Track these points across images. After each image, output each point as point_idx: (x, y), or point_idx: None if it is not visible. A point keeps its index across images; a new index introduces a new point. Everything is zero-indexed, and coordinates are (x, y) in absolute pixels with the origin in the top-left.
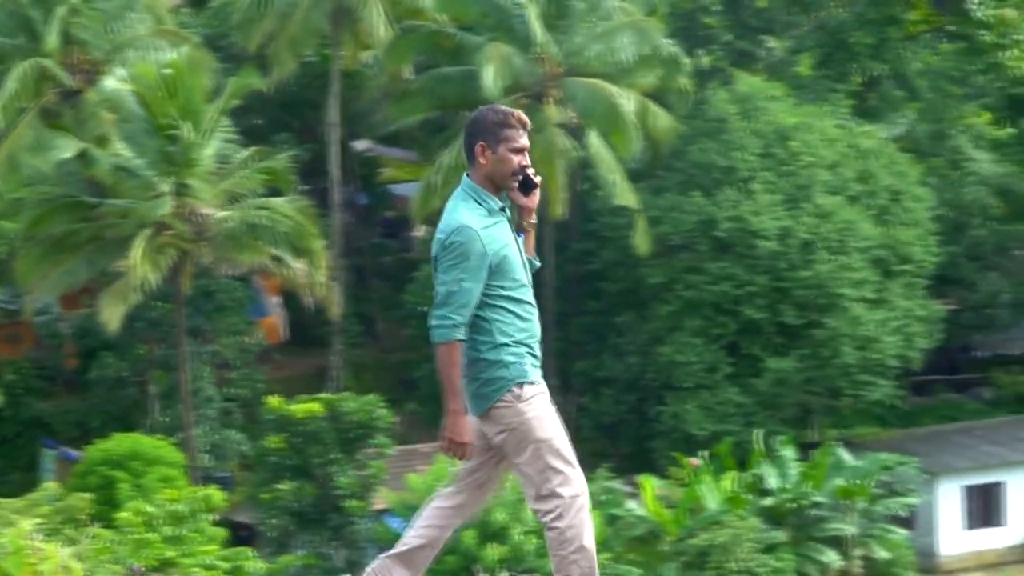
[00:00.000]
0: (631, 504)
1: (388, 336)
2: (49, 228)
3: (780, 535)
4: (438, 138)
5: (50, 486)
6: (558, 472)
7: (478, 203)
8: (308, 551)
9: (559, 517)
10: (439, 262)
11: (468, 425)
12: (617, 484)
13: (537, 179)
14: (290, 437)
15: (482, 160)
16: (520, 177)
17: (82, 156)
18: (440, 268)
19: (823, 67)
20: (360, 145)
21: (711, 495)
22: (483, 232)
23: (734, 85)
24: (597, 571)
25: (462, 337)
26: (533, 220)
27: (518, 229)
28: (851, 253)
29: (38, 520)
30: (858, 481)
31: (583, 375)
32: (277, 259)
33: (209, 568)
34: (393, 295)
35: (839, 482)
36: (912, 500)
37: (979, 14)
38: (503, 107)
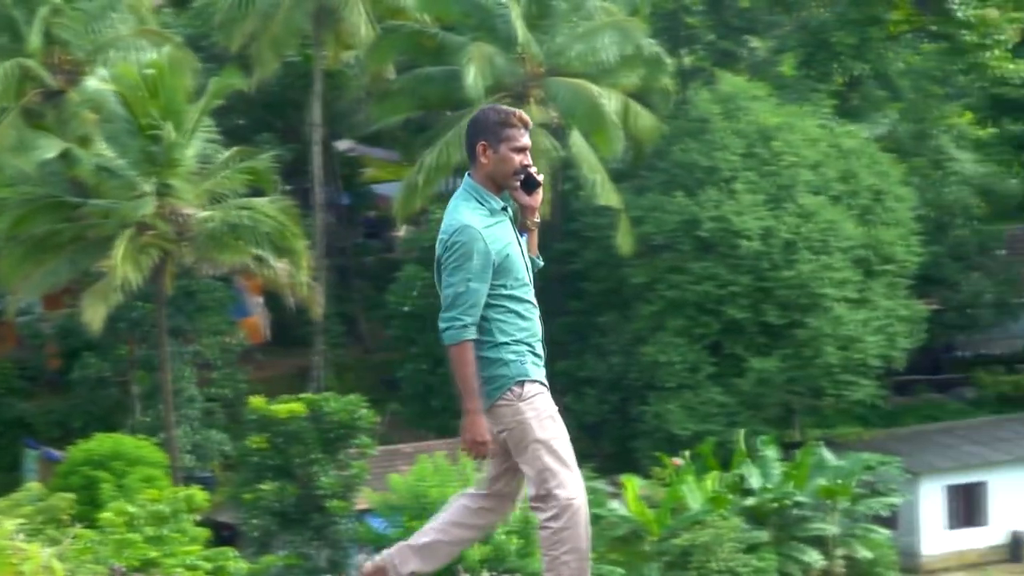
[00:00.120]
0: (613, 504)
1: (370, 336)
2: (31, 228)
3: (762, 535)
4: (420, 138)
5: (32, 486)
6: (555, 474)
7: (480, 203)
8: (290, 551)
9: (554, 518)
10: (443, 263)
11: (485, 424)
12: (600, 484)
13: (539, 178)
14: (272, 437)
15: (483, 159)
16: (522, 176)
17: (64, 156)
18: (445, 270)
19: (805, 67)
20: (342, 145)
21: (693, 495)
22: (485, 231)
23: (716, 85)
24: (588, 574)
25: (473, 337)
26: (536, 219)
27: (521, 228)
28: (833, 253)
29: (20, 520)
30: (840, 481)
31: (565, 375)
32: (259, 259)
33: (191, 568)
34: (375, 295)
35: (821, 482)
36: (894, 500)
37: (961, 14)
38: (504, 107)
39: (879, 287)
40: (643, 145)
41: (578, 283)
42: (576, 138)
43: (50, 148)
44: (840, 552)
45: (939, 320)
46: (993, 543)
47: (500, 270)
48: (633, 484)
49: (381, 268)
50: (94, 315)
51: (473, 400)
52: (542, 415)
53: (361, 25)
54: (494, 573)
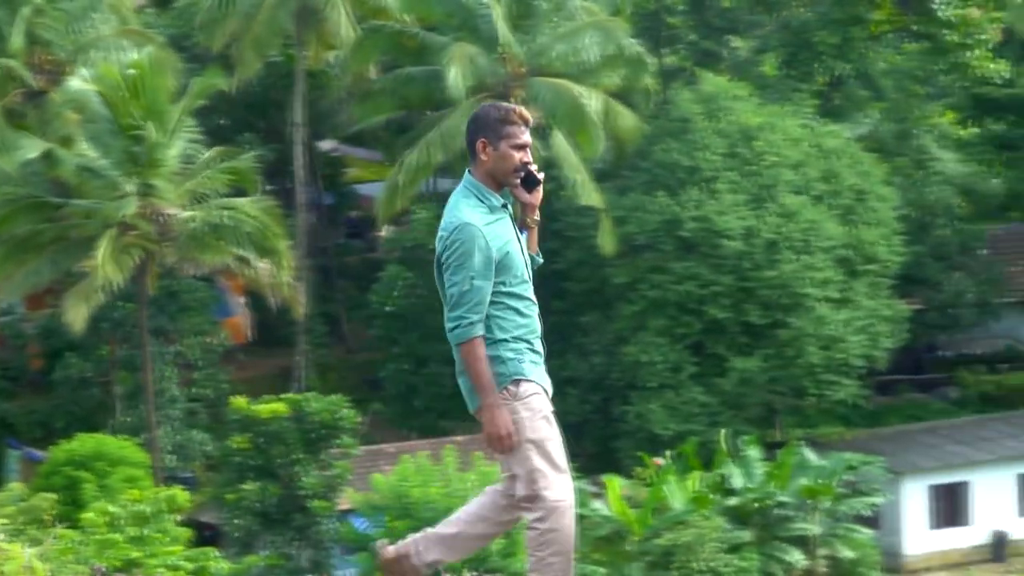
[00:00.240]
0: (596, 504)
1: (353, 336)
2: (13, 228)
3: (745, 535)
4: (402, 138)
5: (14, 486)
6: (544, 475)
7: (480, 200)
8: (272, 551)
9: (541, 519)
10: (444, 261)
11: (506, 416)
12: (582, 484)
13: (540, 176)
14: (254, 437)
15: (483, 156)
16: (522, 174)
17: (47, 156)
18: (447, 269)
19: (787, 67)
20: (325, 145)
21: (676, 495)
22: (486, 229)
23: (698, 85)
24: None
25: (482, 333)
26: (536, 217)
27: (521, 226)
28: (815, 253)
29: (2, 521)
30: (823, 481)
31: (547, 375)
32: (241, 259)
33: (173, 568)
34: (358, 295)
35: (804, 482)
36: (877, 500)
37: (943, 14)
38: (505, 104)
39: (861, 287)
40: (625, 145)
41: (560, 283)
42: (558, 138)
43: (32, 148)
44: (823, 552)
45: (921, 320)
46: (976, 543)
47: (500, 267)
48: (615, 484)
49: (364, 268)
50: (76, 315)
51: (490, 395)
52: (536, 415)
53: (343, 25)
54: (476, 573)
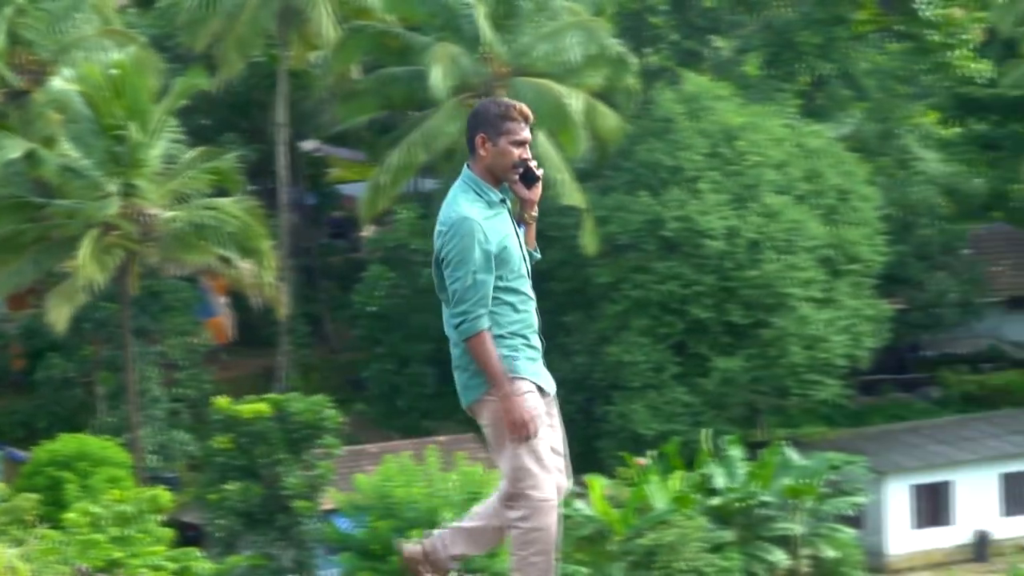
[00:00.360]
0: (579, 504)
1: (336, 336)
2: None
3: (728, 535)
4: (386, 138)
5: None
6: (531, 474)
7: (478, 195)
8: (255, 551)
9: (524, 518)
10: (444, 256)
11: (524, 402)
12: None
13: (539, 172)
14: (237, 437)
15: (482, 152)
16: (521, 170)
17: (29, 156)
18: (447, 265)
19: (770, 67)
20: (308, 145)
21: (659, 495)
22: (484, 223)
23: (681, 85)
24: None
25: (488, 325)
26: (534, 213)
27: (519, 221)
28: (798, 252)
29: None
30: (806, 480)
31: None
32: (224, 259)
33: (156, 569)
34: (341, 295)
35: (787, 481)
36: (860, 499)
37: (926, 14)
38: (506, 100)
39: (844, 287)
40: (607, 145)
41: (543, 283)
42: (541, 138)
43: (14, 148)
44: (806, 552)
45: (904, 320)
46: (958, 542)
47: (497, 262)
48: (598, 484)
49: (347, 268)
50: (59, 315)
51: (504, 384)
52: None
53: (326, 25)
54: (458, 572)
